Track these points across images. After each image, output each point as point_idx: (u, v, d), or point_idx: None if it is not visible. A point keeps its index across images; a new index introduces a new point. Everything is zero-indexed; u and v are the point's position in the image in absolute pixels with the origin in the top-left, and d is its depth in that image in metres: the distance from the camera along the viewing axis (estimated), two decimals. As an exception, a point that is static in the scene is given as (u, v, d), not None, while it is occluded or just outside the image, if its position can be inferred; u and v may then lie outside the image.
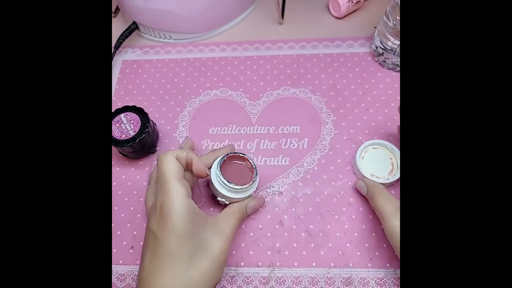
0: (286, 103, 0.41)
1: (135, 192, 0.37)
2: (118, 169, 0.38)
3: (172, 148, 0.39)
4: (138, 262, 0.33)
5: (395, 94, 0.41)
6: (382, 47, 0.41)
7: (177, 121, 0.41)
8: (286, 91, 0.42)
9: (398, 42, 0.39)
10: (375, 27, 0.44)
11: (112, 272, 0.33)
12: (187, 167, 0.29)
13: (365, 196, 0.35)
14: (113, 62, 0.46)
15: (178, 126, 0.41)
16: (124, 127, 0.36)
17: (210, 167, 0.32)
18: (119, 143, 0.35)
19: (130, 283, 0.33)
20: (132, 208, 0.36)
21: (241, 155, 0.32)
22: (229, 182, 0.30)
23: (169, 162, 0.27)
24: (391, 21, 0.38)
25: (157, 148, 0.39)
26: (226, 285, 0.32)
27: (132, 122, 0.36)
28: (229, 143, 0.39)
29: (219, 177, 0.31)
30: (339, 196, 0.35)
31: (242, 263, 0.33)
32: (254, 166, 0.32)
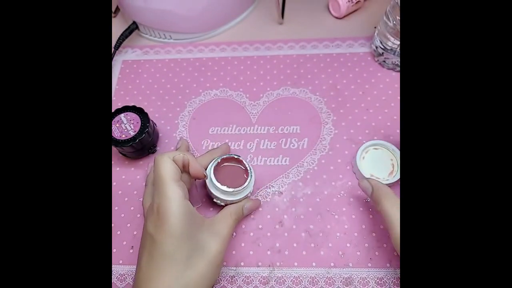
0: (286, 103, 0.41)
1: (135, 192, 0.37)
2: (118, 169, 0.38)
3: (172, 149, 0.39)
4: (138, 262, 0.33)
5: (395, 94, 0.41)
6: (382, 47, 0.41)
7: (177, 121, 0.41)
8: (286, 91, 0.42)
9: (398, 42, 0.39)
10: (375, 27, 0.44)
11: (112, 272, 0.33)
12: (184, 169, 0.29)
13: (363, 196, 0.35)
14: (113, 62, 0.46)
15: (178, 126, 0.41)
16: (124, 127, 0.36)
17: (207, 168, 0.32)
18: (119, 143, 0.35)
19: (130, 283, 0.33)
20: (132, 208, 0.36)
21: (235, 157, 0.33)
22: (222, 185, 0.31)
23: (165, 163, 0.27)
24: (391, 21, 0.38)
25: (157, 148, 0.39)
26: (226, 285, 0.32)
27: (132, 122, 0.36)
28: (229, 143, 0.39)
29: (212, 180, 0.31)
30: (339, 196, 0.35)
31: (242, 263, 0.33)
32: (248, 168, 0.32)
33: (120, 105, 0.37)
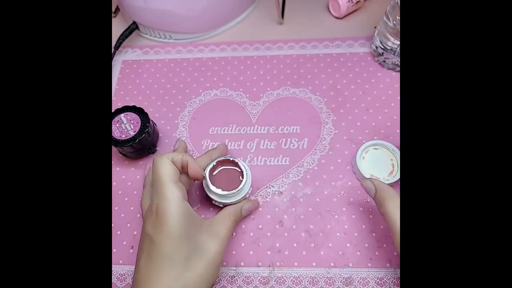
0: (286, 103, 0.41)
1: (135, 192, 0.37)
2: (118, 169, 0.38)
3: (172, 149, 0.39)
4: (138, 262, 0.33)
5: (395, 94, 0.41)
6: (382, 47, 0.41)
7: (177, 121, 0.41)
8: (286, 91, 0.42)
9: (398, 42, 0.39)
10: (375, 27, 0.44)
11: (112, 272, 0.33)
12: (183, 170, 0.29)
13: (363, 196, 0.35)
14: (113, 62, 0.46)
15: (178, 126, 0.41)
16: (124, 127, 0.36)
17: (205, 169, 0.33)
18: (119, 143, 0.35)
19: (130, 283, 0.33)
20: (132, 208, 0.36)
21: (231, 159, 0.33)
22: (216, 188, 0.31)
23: (164, 165, 0.27)
24: (391, 21, 0.38)
25: (157, 148, 0.39)
26: (226, 285, 0.32)
27: (132, 122, 0.36)
28: (229, 143, 0.39)
29: (207, 183, 0.31)
30: (339, 196, 0.35)
31: (242, 263, 0.33)
32: (243, 171, 0.32)
33: (120, 105, 0.37)
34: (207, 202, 0.35)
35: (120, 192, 0.37)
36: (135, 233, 0.35)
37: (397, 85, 0.42)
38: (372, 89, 0.41)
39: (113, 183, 0.38)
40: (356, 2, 0.47)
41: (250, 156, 0.38)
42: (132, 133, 0.35)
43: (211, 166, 0.32)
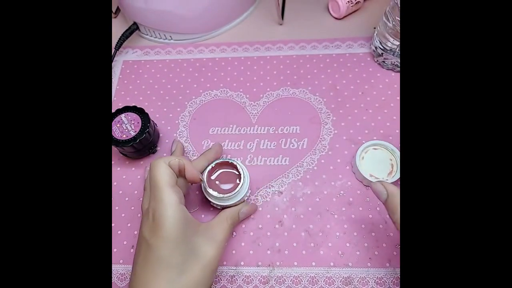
0: (286, 103, 0.42)
1: (135, 192, 0.37)
2: (118, 169, 0.39)
3: (170, 149, 0.39)
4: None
5: (394, 94, 0.41)
6: (382, 47, 0.41)
7: (178, 121, 0.41)
8: (286, 92, 0.42)
9: (398, 43, 0.39)
10: (374, 28, 0.44)
11: (113, 272, 0.33)
12: (180, 173, 0.29)
13: (362, 196, 0.35)
14: (114, 63, 0.46)
15: (179, 126, 0.41)
16: (125, 127, 0.36)
17: (203, 171, 0.33)
18: (120, 143, 0.35)
19: (131, 282, 0.33)
20: (132, 208, 0.36)
21: (230, 161, 0.33)
22: (213, 191, 0.31)
23: (161, 169, 0.27)
24: (391, 22, 0.38)
25: (158, 149, 0.40)
26: (226, 284, 0.32)
27: (132, 122, 0.36)
28: (229, 143, 0.39)
29: (205, 186, 0.32)
30: (338, 196, 0.35)
31: (242, 263, 0.33)
32: (241, 173, 0.32)
33: (121, 105, 0.38)
34: (206, 204, 0.36)
35: (120, 192, 0.37)
36: (135, 232, 0.35)
37: (397, 86, 0.42)
38: (372, 89, 0.42)
39: (114, 183, 0.38)
40: (356, 3, 0.47)
41: (250, 156, 0.38)
42: (132, 133, 0.35)
43: (209, 168, 0.33)
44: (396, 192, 0.26)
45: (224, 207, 0.34)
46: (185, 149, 0.39)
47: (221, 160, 0.33)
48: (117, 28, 0.49)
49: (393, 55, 0.40)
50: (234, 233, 0.34)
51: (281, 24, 0.49)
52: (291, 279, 0.32)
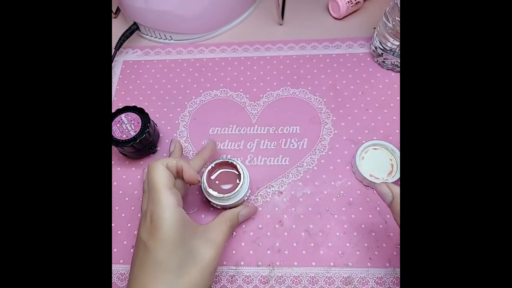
0: (286, 103, 0.42)
1: (135, 192, 0.37)
2: (119, 169, 0.39)
3: (169, 149, 0.39)
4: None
5: (394, 94, 0.41)
6: (382, 47, 0.41)
7: (178, 121, 0.41)
8: (286, 92, 0.43)
9: (397, 43, 0.39)
10: (374, 28, 0.44)
11: (113, 272, 0.33)
12: (178, 175, 0.29)
13: (362, 196, 0.35)
14: (114, 63, 0.46)
15: (179, 126, 0.41)
16: (125, 127, 0.36)
17: (203, 172, 0.33)
18: (120, 143, 0.35)
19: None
20: (132, 208, 0.36)
21: (229, 161, 0.33)
22: (213, 191, 0.31)
23: (159, 171, 0.27)
24: (391, 22, 0.38)
25: (158, 149, 0.40)
26: (226, 284, 0.32)
27: (132, 122, 0.36)
28: (230, 143, 0.39)
29: (204, 186, 0.32)
30: (338, 195, 0.35)
31: (242, 263, 0.33)
32: (241, 173, 0.32)
33: (121, 105, 0.38)
34: (206, 204, 0.36)
35: (120, 192, 0.37)
36: (135, 232, 0.35)
37: (397, 86, 0.42)
38: (372, 89, 0.42)
39: (114, 183, 0.38)
40: (356, 3, 0.47)
41: (250, 156, 0.38)
42: (132, 133, 0.35)
43: (209, 168, 0.33)
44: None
45: (224, 207, 0.34)
46: (185, 149, 0.39)
47: (221, 160, 0.33)
48: (117, 28, 0.49)
49: (393, 55, 0.40)
50: (234, 233, 0.34)
51: (281, 24, 0.49)
52: (291, 279, 0.32)
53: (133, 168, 0.39)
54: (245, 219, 0.34)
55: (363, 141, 0.37)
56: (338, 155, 0.38)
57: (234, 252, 0.33)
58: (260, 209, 0.35)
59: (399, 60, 0.40)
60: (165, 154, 0.39)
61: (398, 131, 0.38)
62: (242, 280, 0.32)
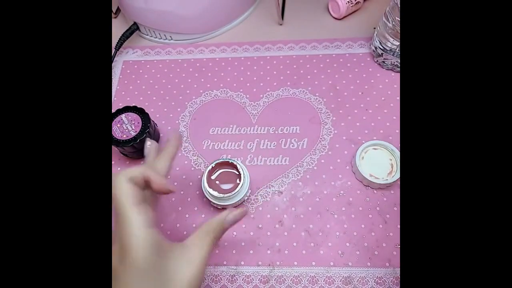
0: (286, 103, 0.42)
1: (136, 192, 0.37)
2: (119, 169, 0.39)
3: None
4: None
5: (394, 94, 0.41)
6: (382, 47, 0.41)
7: (178, 122, 0.41)
8: (286, 92, 0.43)
9: (397, 43, 0.39)
10: (374, 28, 0.44)
11: (113, 271, 0.33)
12: (146, 184, 0.25)
13: (362, 195, 0.35)
14: (114, 63, 0.46)
15: (179, 126, 0.41)
16: (125, 127, 0.36)
17: (203, 173, 0.33)
18: (120, 143, 0.35)
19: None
20: (133, 208, 0.36)
21: (230, 161, 0.33)
22: (213, 191, 0.31)
23: (122, 187, 0.23)
24: (390, 22, 0.38)
25: (158, 148, 0.40)
26: (226, 284, 0.32)
27: (133, 122, 0.36)
28: (230, 143, 0.39)
29: (204, 186, 0.32)
30: (338, 195, 0.36)
31: (242, 262, 0.33)
32: (241, 173, 0.32)
33: (121, 106, 0.38)
34: (206, 204, 0.36)
35: (121, 192, 0.37)
36: (135, 232, 0.35)
37: (396, 86, 0.42)
38: (372, 89, 0.42)
39: (114, 183, 0.38)
40: (356, 3, 0.47)
41: (250, 156, 0.39)
42: (133, 133, 0.35)
43: (209, 168, 0.33)
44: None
45: (224, 207, 0.34)
46: (185, 149, 0.39)
47: (221, 160, 0.33)
48: (117, 28, 0.49)
49: (393, 55, 0.40)
50: (234, 233, 0.34)
51: (281, 24, 0.49)
52: (291, 278, 0.32)
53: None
54: (234, 223, 0.29)
55: (363, 141, 0.37)
56: (338, 155, 0.38)
57: (234, 252, 0.34)
58: (261, 209, 0.35)
59: (399, 60, 0.41)
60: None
61: (398, 131, 0.38)
62: (242, 280, 0.32)
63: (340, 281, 0.32)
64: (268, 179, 0.37)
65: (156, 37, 0.48)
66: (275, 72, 0.44)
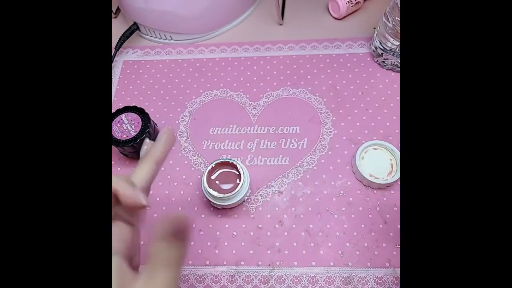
0: (286, 103, 0.42)
1: (135, 192, 0.37)
2: (119, 169, 0.39)
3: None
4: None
5: (394, 94, 0.41)
6: (382, 47, 0.41)
7: (178, 121, 0.41)
8: (286, 92, 0.43)
9: (397, 43, 0.39)
10: (374, 28, 0.44)
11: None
12: (117, 199, 0.21)
13: (362, 195, 0.35)
14: (114, 63, 0.46)
15: (179, 126, 0.41)
16: (125, 127, 0.36)
17: (204, 174, 0.33)
18: (120, 143, 0.35)
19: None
20: (133, 208, 0.36)
21: (230, 161, 0.33)
22: (213, 191, 0.31)
23: None
24: (390, 22, 0.38)
25: (158, 148, 0.40)
26: (226, 284, 0.32)
27: (133, 122, 0.36)
28: (230, 143, 0.39)
29: (204, 186, 0.32)
30: (338, 195, 0.36)
31: (242, 262, 0.33)
32: (241, 173, 0.32)
33: (121, 105, 0.38)
34: (206, 204, 0.36)
35: (121, 192, 0.37)
36: (135, 232, 0.35)
37: (396, 86, 0.42)
38: (372, 89, 0.42)
39: (114, 183, 0.38)
40: (356, 3, 0.47)
41: (250, 156, 0.39)
42: (133, 133, 0.35)
43: (209, 168, 0.33)
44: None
45: (224, 207, 0.34)
46: (185, 149, 0.39)
47: (221, 160, 0.33)
48: (117, 28, 0.49)
49: (393, 55, 0.40)
50: (235, 233, 0.34)
51: (281, 24, 0.49)
52: (291, 278, 0.32)
53: (133, 168, 0.39)
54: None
55: (363, 141, 0.37)
56: (338, 155, 0.38)
57: (234, 252, 0.34)
58: (261, 209, 0.35)
59: (399, 60, 0.41)
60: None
61: (398, 131, 0.38)
62: (242, 280, 0.32)
63: (340, 281, 0.32)
64: (268, 179, 0.37)
65: (156, 37, 0.48)
66: (275, 72, 0.44)
